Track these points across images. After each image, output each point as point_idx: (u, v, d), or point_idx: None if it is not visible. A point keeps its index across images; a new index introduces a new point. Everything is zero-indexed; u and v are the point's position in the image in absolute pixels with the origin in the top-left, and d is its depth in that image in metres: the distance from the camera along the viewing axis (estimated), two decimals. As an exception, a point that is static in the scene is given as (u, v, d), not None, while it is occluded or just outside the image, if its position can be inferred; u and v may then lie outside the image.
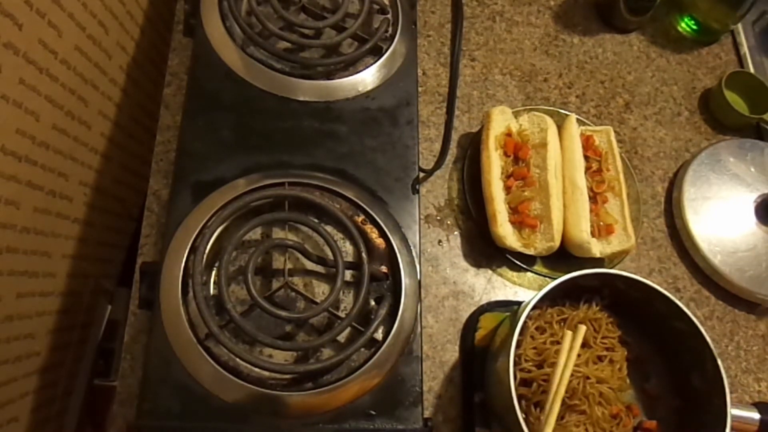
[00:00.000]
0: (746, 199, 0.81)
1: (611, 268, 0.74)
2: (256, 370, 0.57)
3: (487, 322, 0.69)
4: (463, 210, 0.76)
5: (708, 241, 0.77)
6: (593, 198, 0.74)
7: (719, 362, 0.56)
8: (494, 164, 0.72)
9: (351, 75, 0.72)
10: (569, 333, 0.60)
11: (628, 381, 0.64)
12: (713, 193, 0.81)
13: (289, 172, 0.66)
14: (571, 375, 0.58)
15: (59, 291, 0.79)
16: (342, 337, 0.61)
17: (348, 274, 0.62)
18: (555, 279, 0.58)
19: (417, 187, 0.68)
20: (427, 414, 0.63)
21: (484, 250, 0.74)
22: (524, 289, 0.74)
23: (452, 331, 0.70)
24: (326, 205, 0.64)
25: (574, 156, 0.74)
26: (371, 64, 0.73)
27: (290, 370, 0.57)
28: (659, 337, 0.64)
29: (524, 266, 0.72)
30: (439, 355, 0.69)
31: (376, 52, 0.74)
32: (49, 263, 0.75)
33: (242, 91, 0.69)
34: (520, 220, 0.71)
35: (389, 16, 0.77)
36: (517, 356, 0.60)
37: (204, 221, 0.61)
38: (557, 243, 0.70)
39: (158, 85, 0.76)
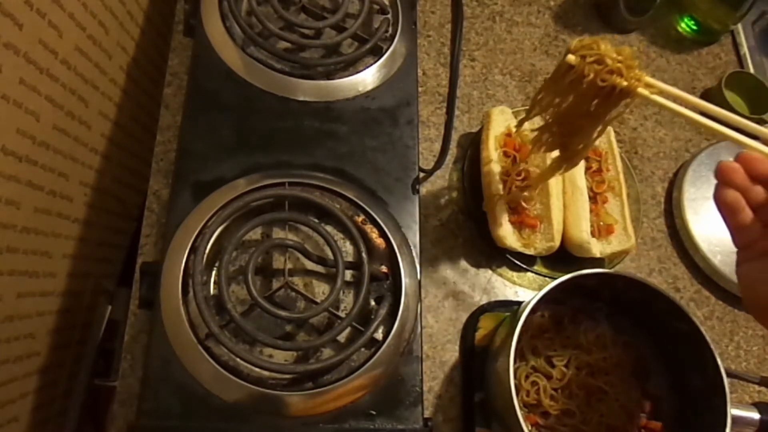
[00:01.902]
0: (746, 199, 0.81)
1: (611, 268, 0.74)
2: (257, 370, 0.57)
3: (487, 322, 0.69)
4: (463, 210, 0.76)
5: (708, 241, 0.77)
6: (593, 198, 0.74)
7: (719, 362, 0.56)
8: (494, 164, 0.72)
9: (351, 75, 0.72)
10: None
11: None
12: (713, 193, 0.81)
13: (289, 172, 0.66)
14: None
15: (59, 291, 0.79)
16: (342, 337, 0.61)
17: (348, 274, 0.63)
18: (555, 279, 0.58)
19: (417, 187, 0.68)
20: (427, 414, 0.63)
21: (484, 250, 0.74)
22: (524, 289, 0.74)
23: (452, 331, 0.70)
24: (326, 205, 0.64)
25: (574, 156, 0.74)
26: (371, 64, 0.73)
27: (290, 370, 0.57)
28: (659, 337, 0.64)
29: (524, 266, 0.72)
30: (439, 355, 0.69)
31: (376, 52, 0.74)
32: (50, 263, 0.75)
33: (242, 91, 0.69)
34: (520, 220, 0.71)
35: (389, 16, 0.77)
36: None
37: (204, 221, 0.61)
38: (557, 243, 0.70)
39: (158, 85, 0.76)
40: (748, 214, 0.45)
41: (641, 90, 0.52)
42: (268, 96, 0.69)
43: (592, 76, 0.52)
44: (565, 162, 0.62)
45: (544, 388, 0.61)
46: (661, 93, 0.52)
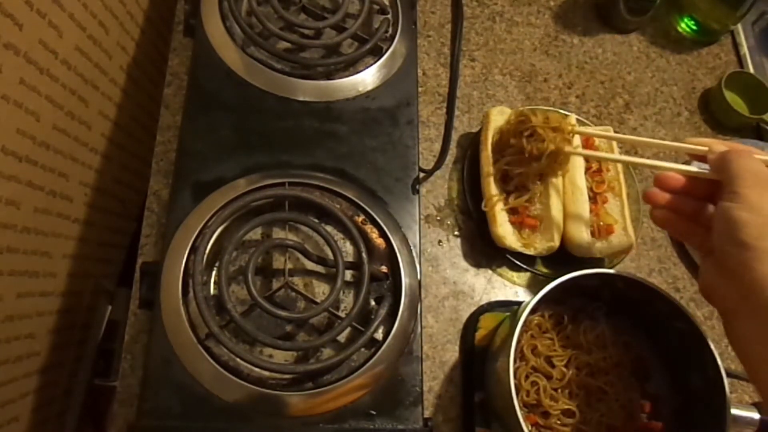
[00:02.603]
0: (746, 199, 0.81)
1: (611, 268, 0.74)
2: (257, 370, 0.57)
3: (487, 322, 0.69)
4: (463, 210, 0.76)
5: (708, 241, 0.77)
6: (593, 198, 0.74)
7: (719, 362, 0.56)
8: (493, 164, 0.72)
9: (351, 75, 0.72)
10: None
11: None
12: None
13: (289, 172, 0.66)
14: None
15: (59, 291, 0.79)
16: (342, 337, 0.61)
17: (348, 274, 0.63)
18: (555, 279, 0.58)
19: (417, 187, 0.68)
20: (427, 414, 0.63)
21: (484, 250, 0.74)
22: (524, 289, 0.74)
23: (452, 331, 0.70)
24: (326, 205, 0.64)
25: (574, 156, 0.74)
26: (371, 65, 0.73)
27: (290, 370, 0.57)
28: (659, 337, 0.64)
29: (524, 266, 0.72)
30: (439, 355, 0.69)
31: (376, 53, 0.74)
32: (50, 263, 0.75)
33: (242, 91, 0.69)
34: (520, 220, 0.71)
35: (389, 16, 0.77)
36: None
37: (204, 221, 0.61)
38: (557, 243, 0.70)
39: (158, 85, 0.76)
40: (681, 223, 0.52)
41: (567, 148, 0.68)
42: (268, 96, 0.69)
43: (529, 148, 0.68)
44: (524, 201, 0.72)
45: (544, 388, 0.61)
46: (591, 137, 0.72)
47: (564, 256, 0.72)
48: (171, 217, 0.62)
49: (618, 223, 0.73)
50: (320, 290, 0.63)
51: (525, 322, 0.56)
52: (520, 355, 0.63)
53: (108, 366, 0.91)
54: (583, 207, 0.72)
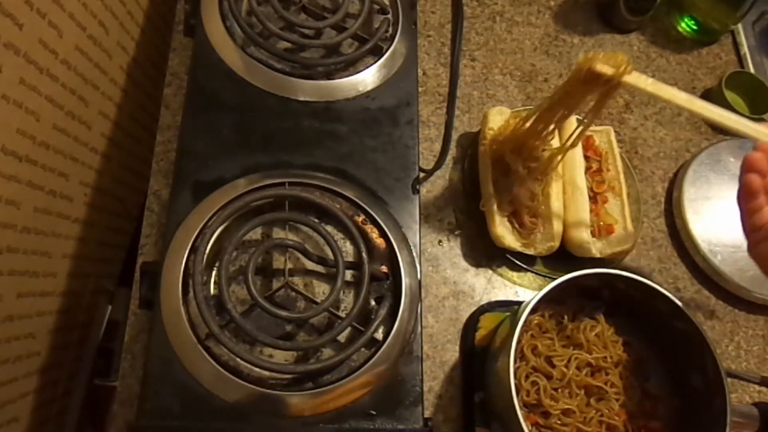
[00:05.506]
0: (746, 199, 0.81)
1: (611, 268, 0.74)
2: (257, 369, 0.57)
3: (487, 322, 0.69)
4: (463, 210, 0.76)
5: (708, 241, 0.77)
6: (593, 198, 0.74)
7: (719, 362, 0.56)
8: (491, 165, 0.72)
9: (351, 75, 0.72)
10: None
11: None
12: (713, 193, 0.81)
13: (289, 172, 0.66)
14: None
15: (59, 291, 0.79)
16: (342, 337, 0.61)
17: (348, 274, 0.62)
18: (555, 279, 0.58)
19: (417, 187, 0.68)
20: (427, 414, 0.63)
21: (484, 250, 0.74)
22: (524, 289, 0.74)
23: (452, 331, 0.70)
24: (326, 204, 0.64)
25: (574, 156, 0.74)
26: (371, 64, 0.73)
27: (290, 370, 0.57)
28: (659, 337, 0.64)
29: (524, 266, 0.72)
30: (440, 355, 0.69)
31: (377, 52, 0.74)
32: (50, 263, 0.75)
33: (242, 91, 0.69)
34: (519, 221, 0.71)
35: (389, 16, 0.77)
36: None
37: (204, 221, 0.61)
38: (557, 243, 0.70)
39: (158, 85, 0.76)
40: (763, 198, 0.52)
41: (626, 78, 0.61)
42: (268, 96, 0.69)
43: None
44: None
45: (544, 387, 0.61)
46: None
47: (564, 256, 0.72)
48: (171, 217, 0.62)
49: (618, 223, 0.73)
50: (320, 290, 0.63)
51: (525, 322, 0.56)
52: (521, 355, 0.63)
53: (108, 366, 0.91)
54: (583, 207, 0.72)
